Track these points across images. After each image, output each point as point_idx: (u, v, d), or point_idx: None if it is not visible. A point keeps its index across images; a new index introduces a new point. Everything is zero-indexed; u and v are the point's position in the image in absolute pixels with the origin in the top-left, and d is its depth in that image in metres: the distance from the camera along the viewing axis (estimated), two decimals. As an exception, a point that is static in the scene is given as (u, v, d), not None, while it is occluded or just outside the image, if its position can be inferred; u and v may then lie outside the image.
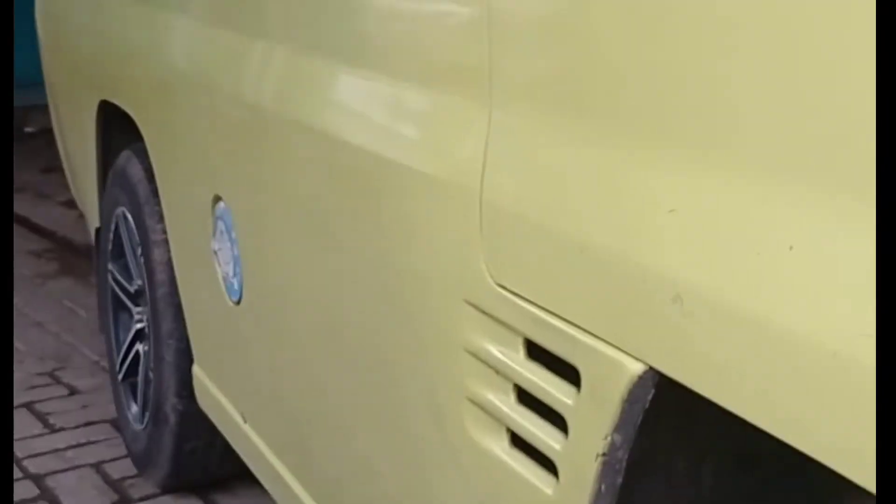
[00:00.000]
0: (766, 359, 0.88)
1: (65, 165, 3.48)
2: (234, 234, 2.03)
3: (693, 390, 0.98)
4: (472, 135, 1.28)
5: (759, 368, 0.88)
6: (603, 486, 1.09)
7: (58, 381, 3.35)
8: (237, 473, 2.66)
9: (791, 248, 0.86)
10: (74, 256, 4.69)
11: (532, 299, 1.17)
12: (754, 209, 0.91)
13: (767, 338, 0.88)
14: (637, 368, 1.02)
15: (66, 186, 5.16)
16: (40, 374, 3.39)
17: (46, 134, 5.99)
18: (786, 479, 1.21)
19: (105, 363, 3.30)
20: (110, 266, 2.87)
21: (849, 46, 0.83)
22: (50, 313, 3.95)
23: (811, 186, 0.86)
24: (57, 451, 2.91)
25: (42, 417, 3.11)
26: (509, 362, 1.22)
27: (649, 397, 1.03)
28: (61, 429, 3.04)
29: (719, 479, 1.19)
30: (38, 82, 3.47)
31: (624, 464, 1.07)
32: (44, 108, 3.53)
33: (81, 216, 4.71)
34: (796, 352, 0.85)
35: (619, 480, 1.08)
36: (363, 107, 1.60)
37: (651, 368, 1.01)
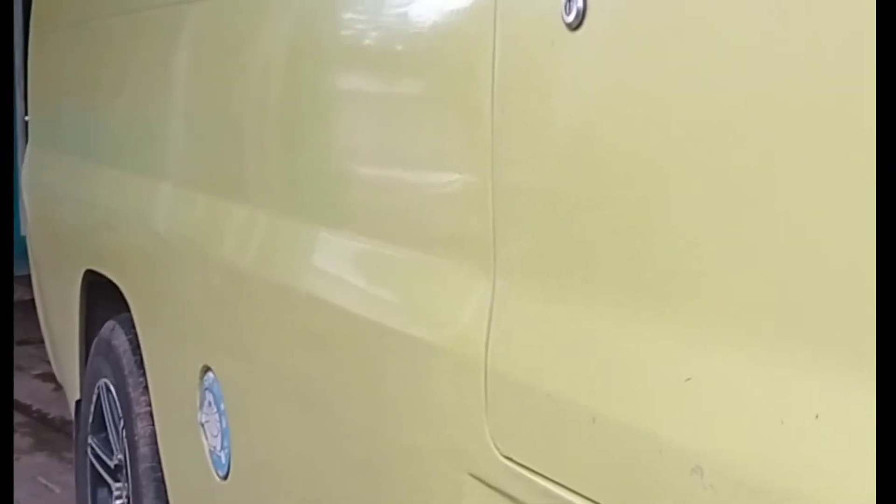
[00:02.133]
0: (793, 533, 0.86)
1: (45, 336, 3.46)
2: (222, 406, 2.01)
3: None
4: (474, 302, 1.28)
5: (787, 543, 0.86)
6: None
7: (30, 561, 3.27)
8: None
9: (817, 416, 0.85)
10: (49, 431, 4.63)
11: (541, 472, 1.14)
12: (776, 377, 0.90)
13: (794, 511, 0.86)
14: (654, 545, 1.00)
15: (41, 359, 5.13)
16: (12, 554, 3.31)
17: (21, 305, 5.98)
18: None
19: (80, 542, 3.22)
20: (90, 440, 2.82)
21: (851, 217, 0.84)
22: (23, 490, 3.87)
23: (835, 354, 0.86)
24: None
25: None
26: (517, 538, 1.19)
27: (666, 578, 1.00)
28: None
29: None
30: (14, 253, 3.47)
31: None
32: (19, 280, 3.52)
33: (57, 389, 4.66)
34: (826, 525, 0.83)
35: None
36: (359, 273, 1.60)
37: (669, 547, 0.99)
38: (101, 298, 2.72)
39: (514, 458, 1.18)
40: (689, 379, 0.97)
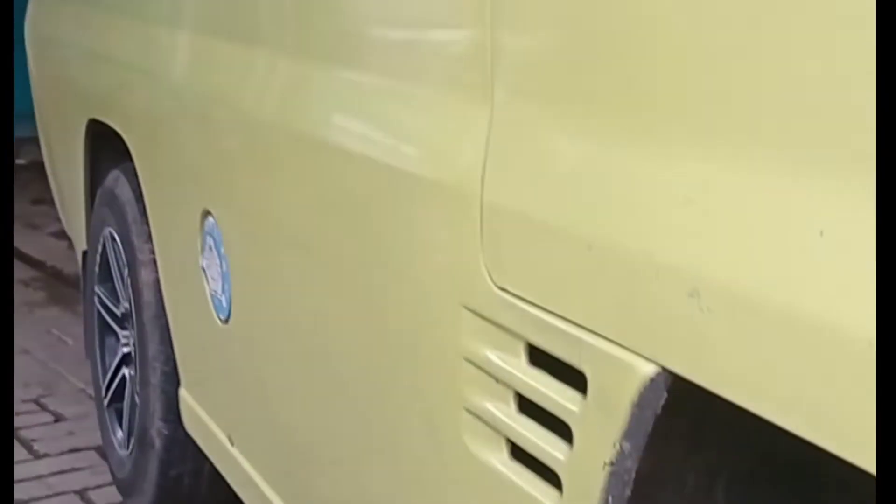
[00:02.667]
0: (793, 354, 0.81)
1: (53, 189, 3.41)
2: (223, 250, 1.96)
3: (708, 396, 0.91)
4: (471, 134, 1.22)
5: (786, 365, 0.81)
6: (610, 498, 1.01)
7: (43, 409, 3.27)
8: (225, 501, 2.57)
9: (822, 233, 0.79)
10: (63, 286, 4.62)
11: (535, 302, 1.10)
12: (778, 195, 0.84)
13: (795, 332, 0.80)
14: (649, 370, 0.95)
15: (55, 218, 5.08)
16: (26, 401, 3.31)
17: (37, 166, 5.93)
18: (799, 498, 1.14)
19: (91, 391, 3.21)
20: (97, 289, 2.79)
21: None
22: (37, 341, 3.87)
23: (840, 168, 0.80)
24: (40, 477, 2.82)
25: (26, 444, 3.02)
26: (510, 369, 1.15)
27: (661, 402, 0.96)
28: (45, 455, 2.95)
29: (732, 497, 1.12)
30: (29, 114, 3.40)
31: (633, 474, 1.00)
32: (35, 141, 3.46)
33: (70, 247, 4.63)
34: (827, 346, 0.78)
35: (628, 492, 1.01)
36: (355, 110, 1.53)
37: (664, 370, 0.94)
38: (106, 149, 2.66)
39: (509, 289, 1.13)
40: (687, 200, 0.91)
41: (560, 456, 1.07)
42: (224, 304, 1.98)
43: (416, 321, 1.33)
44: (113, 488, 2.72)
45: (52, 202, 3.77)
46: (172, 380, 2.39)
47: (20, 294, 4.45)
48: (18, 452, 2.96)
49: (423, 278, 1.31)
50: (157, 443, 2.44)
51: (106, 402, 2.75)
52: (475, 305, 1.19)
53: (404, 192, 1.35)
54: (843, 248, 0.77)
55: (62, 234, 4.85)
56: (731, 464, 1.10)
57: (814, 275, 0.79)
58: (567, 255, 1.05)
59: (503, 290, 1.14)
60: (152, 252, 2.41)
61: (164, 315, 2.38)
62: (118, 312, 2.68)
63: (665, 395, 0.95)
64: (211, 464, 2.31)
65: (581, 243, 1.02)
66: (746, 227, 0.86)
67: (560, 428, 1.09)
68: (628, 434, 0.98)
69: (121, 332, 2.69)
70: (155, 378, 2.42)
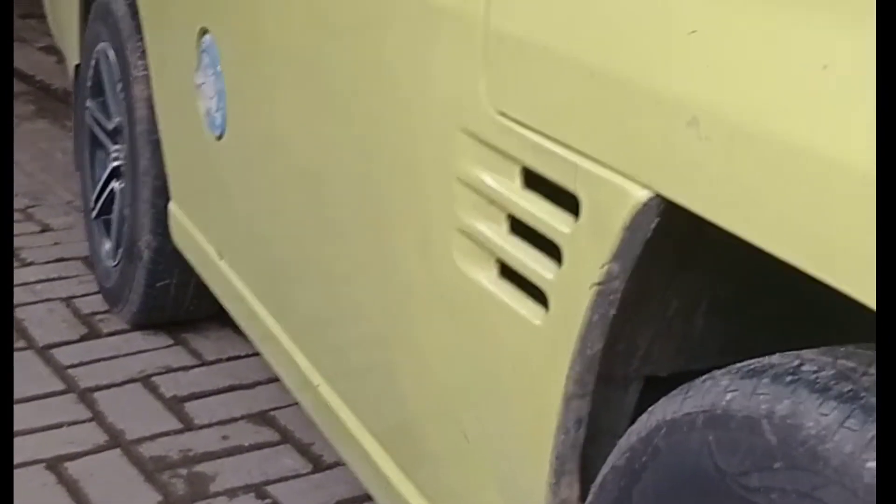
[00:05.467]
0: (785, 183, 0.82)
1: (45, 2, 3.35)
2: (219, 68, 1.94)
3: (694, 224, 0.92)
4: (478, -42, 1.20)
5: (780, 194, 0.82)
6: (595, 316, 1.03)
7: (30, 218, 3.26)
8: (209, 316, 2.60)
9: (825, 66, 0.79)
10: (51, 100, 4.56)
11: (534, 127, 1.10)
12: (783, 27, 0.84)
13: (790, 162, 0.81)
14: (643, 196, 0.96)
15: (44, 32, 4.99)
16: (14, 211, 3.30)
17: (25, -20, 5.82)
18: (774, 328, 1.17)
19: (79, 203, 3.21)
20: (89, 103, 2.77)
21: None
22: (25, 153, 3.83)
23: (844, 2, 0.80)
24: (27, 284, 2.82)
25: (13, 252, 3.02)
26: (504, 191, 1.16)
27: (652, 226, 0.97)
28: (32, 263, 2.95)
29: (710, 323, 1.14)
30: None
31: (619, 295, 1.02)
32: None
33: (59, 62, 4.55)
34: (824, 177, 0.79)
35: (613, 312, 1.03)
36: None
37: (657, 196, 0.95)
38: (101, -38, 2.61)
39: (508, 114, 1.14)
40: (693, 31, 0.91)
41: (549, 275, 1.09)
42: (218, 121, 1.97)
43: (413, 143, 1.33)
44: (99, 297, 2.74)
45: (40, 16, 3.70)
46: (162, 194, 2.39)
47: (8, 107, 4.40)
48: (7, 259, 2.97)
49: (421, 101, 1.31)
50: (145, 255, 2.46)
51: (94, 213, 2.75)
52: (473, 129, 1.19)
53: (407, 15, 1.34)
54: (846, 82, 0.78)
55: (51, 49, 4.78)
56: (711, 291, 1.12)
57: (815, 108, 0.80)
58: (569, 82, 1.05)
59: (502, 114, 1.14)
60: (146, 68, 2.39)
61: (157, 131, 2.37)
62: (109, 127, 2.67)
63: (656, 219, 0.96)
64: (197, 277, 2.33)
65: (584, 70, 1.02)
66: (749, 58, 0.86)
67: (549, 251, 1.10)
68: (617, 256, 1.00)
69: (111, 147, 2.67)
70: (145, 192, 2.42)
